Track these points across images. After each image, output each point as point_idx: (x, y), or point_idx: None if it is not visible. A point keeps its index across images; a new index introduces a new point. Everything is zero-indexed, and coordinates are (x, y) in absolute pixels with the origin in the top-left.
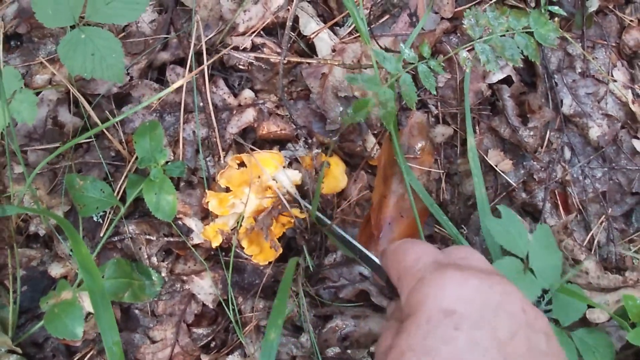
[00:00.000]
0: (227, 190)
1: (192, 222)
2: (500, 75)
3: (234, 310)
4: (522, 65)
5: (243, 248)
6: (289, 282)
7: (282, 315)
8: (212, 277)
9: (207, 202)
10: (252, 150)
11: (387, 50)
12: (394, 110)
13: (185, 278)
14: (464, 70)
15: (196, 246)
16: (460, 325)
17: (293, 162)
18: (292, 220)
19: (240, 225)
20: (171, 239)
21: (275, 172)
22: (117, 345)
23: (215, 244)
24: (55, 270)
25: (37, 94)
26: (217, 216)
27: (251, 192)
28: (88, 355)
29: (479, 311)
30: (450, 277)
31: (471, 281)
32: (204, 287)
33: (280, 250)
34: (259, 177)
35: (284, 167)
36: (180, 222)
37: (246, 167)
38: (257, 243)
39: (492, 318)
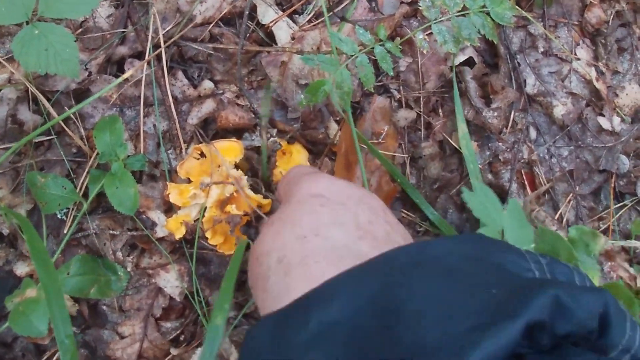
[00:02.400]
0: (189, 181)
1: (155, 215)
2: (462, 57)
3: (200, 302)
4: (480, 45)
5: (207, 239)
6: (237, 265)
7: (228, 299)
8: (177, 270)
9: (168, 193)
10: (212, 140)
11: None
12: (350, 91)
13: (151, 272)
14: (423, 53)
15: (160, 239)
16: (325, 203)
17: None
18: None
19: (203, 216)
20: (135, 233)
21: (235, 160)
22: (69, 338)
23: (178, 236)
24: (21, 269)
25: None
26: (179, 208)
27: (212, 182)
28: (57, 354)
29: (343, 198)
30: (322, 176)
31: (340, 181)
32: (170, 280)
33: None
34: (219, 166)
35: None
36: (144, 216)
37: (206, 157)
38: (222, 233)
39: (355, 205)
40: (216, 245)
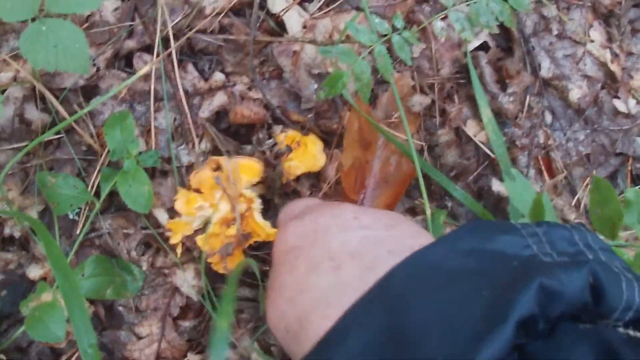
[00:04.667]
0: (199, 191)
1: (159, 213)
2: (476, 43)
3: (212, 302)
4: (498, 32)
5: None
6: (235, 282)
7: (231, 301)
8: (194, 268)
9: (175, 199)
10: (226, 139)
11: None
12: (369, 83)
13: (167, 271)
14: (437, 39)
15: None
16: (298, 254)
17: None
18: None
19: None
20: (149, 232)
21: (252, 181)
22: (93, 347)
23: (172, 242)
24: (34, 272)
25: (2, 92)
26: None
27: (222, 199)
28: (74, 357)
29: (313, 236)
30: (290, 224)
31: (306, 218)
32: (187, 279)
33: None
34: (234, 184)
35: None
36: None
37: (222, 170)
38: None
39: (324, 237)
40: (211, 263)
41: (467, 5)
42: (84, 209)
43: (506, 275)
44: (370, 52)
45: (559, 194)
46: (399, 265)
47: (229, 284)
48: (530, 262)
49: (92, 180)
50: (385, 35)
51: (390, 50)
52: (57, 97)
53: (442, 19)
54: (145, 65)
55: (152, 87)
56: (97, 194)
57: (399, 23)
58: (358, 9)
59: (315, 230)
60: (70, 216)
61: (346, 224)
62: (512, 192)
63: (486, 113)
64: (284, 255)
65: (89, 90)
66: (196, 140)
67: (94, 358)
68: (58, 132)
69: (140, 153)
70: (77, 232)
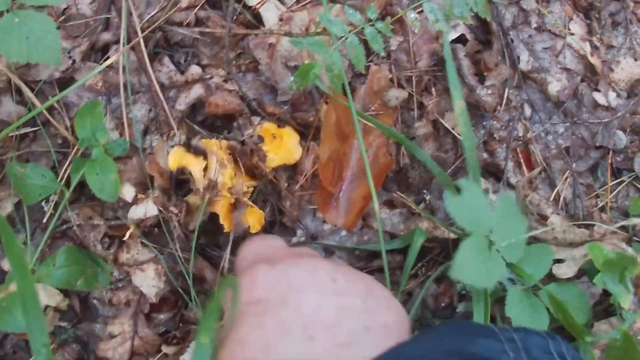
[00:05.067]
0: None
1: (126, 190)
2: (454, 35)
3: (191, 298)
4: (472, 22)
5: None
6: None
7: (215, 319)
8: (154, 268)
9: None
10: (203, 131)
11: None
12: (340, 74)
13: (127, 269)
14: (414, 32)
15: (135, 226)
16: (267, 309)
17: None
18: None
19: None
20: (112, 223)
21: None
22: (46, 347)
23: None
24: (7, 264)
25: None
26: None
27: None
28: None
29: (285, 294)
30: (259, 269)
31: (278, 268)
32: (147, 279)
33: None
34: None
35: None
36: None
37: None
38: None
39: (298, 297)
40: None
41: None
42: (54, 201)
43: None
44: (342, 43)
45: (535, 188)
46: (380, 356)
47: (214, 297)
48: None
49: (64, 171)
50: (359, 27)
51: (366, 42)
52: (32, 90)
53: (419, 12)
54: (118, 56)
55: (121, 80)
56: (69, 185)
57: (373, 14)
58: (334, 1)
59: (289, 287)
60: (45, 208)
61: (322, 285)
62: (453, 210)
63: (459, 104)
64: (250, 305)
65: (65, 83)
66: (173, 132)
67: (45, 357)
68: (34, 125)
69: (109, 143)
70: (47, 222)
